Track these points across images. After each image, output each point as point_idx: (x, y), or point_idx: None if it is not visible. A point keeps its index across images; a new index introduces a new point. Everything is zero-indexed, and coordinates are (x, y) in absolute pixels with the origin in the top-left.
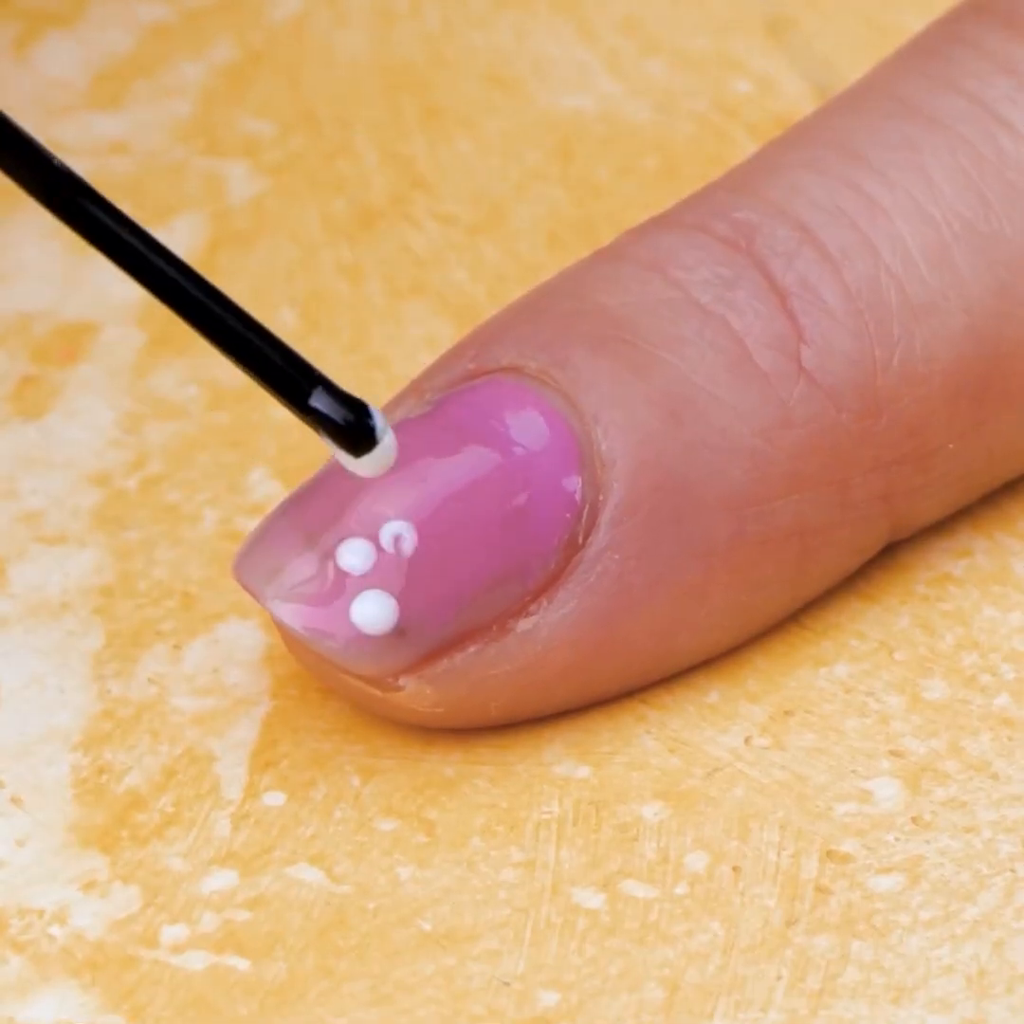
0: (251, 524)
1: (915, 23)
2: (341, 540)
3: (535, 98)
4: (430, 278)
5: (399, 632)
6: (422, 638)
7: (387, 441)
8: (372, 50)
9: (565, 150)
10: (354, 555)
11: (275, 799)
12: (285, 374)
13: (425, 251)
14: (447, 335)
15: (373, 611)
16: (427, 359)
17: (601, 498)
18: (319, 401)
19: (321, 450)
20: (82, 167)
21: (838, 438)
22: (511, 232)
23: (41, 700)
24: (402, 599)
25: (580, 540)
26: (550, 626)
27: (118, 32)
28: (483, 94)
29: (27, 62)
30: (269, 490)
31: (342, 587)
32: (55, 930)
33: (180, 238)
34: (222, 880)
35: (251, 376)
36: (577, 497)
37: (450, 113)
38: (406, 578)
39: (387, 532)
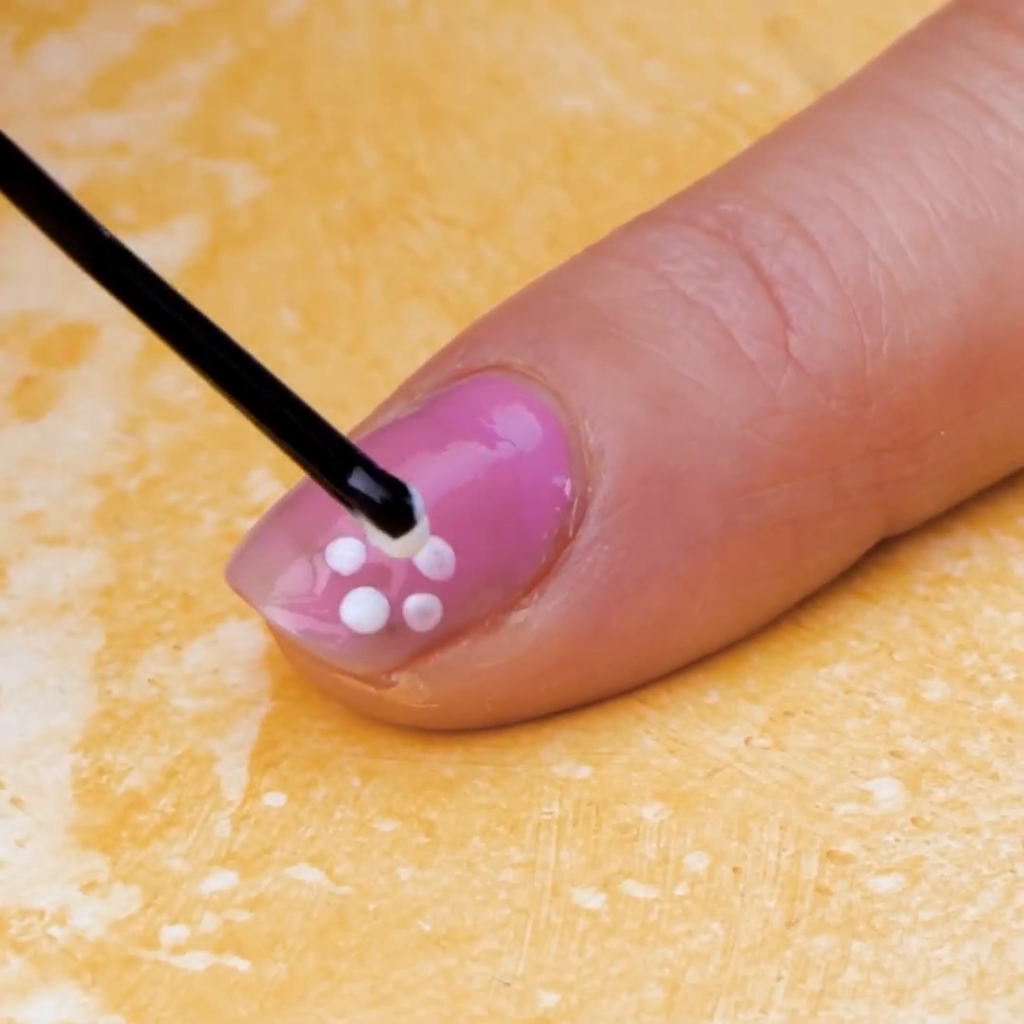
0: (251, 525)
1: (914, 24)
2: (331, 541)
3: (535, 99)
4: (430, 279)
5: (390, 629)
6: (414, 634)
7: (423, 523)
8: (372, 50)
9: (565, 151)
10: (344, 555)
11: (275, 800)
12: (325, 452)
13: (425, 252)
14: (447, 336)
15: (364, 610)
16: (427, 360)
17: (590, 490)
18: (358, 481)
19: None
20: (82, 168)
21: (827, 426)
22: (511, 233)
23: (41, 700)
24: (393, 596)
25: (570, 533)
26: (541, 618)
27: (118, 33)
28: (483, 95)
29: (27, 63)
30: (269, 491)
31: (333, 587)
32: (55, 931)
33: (180, 239)
34: (222, 881)
35: (288, 453)
36: (566, 491)
37: (450, 114)
38: (396, 575)
39: None
